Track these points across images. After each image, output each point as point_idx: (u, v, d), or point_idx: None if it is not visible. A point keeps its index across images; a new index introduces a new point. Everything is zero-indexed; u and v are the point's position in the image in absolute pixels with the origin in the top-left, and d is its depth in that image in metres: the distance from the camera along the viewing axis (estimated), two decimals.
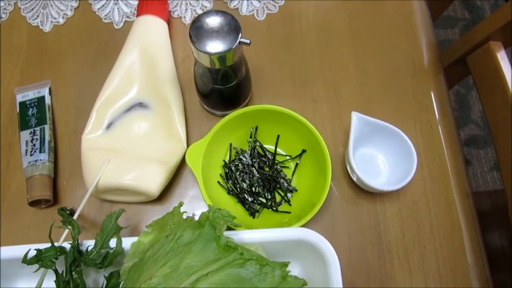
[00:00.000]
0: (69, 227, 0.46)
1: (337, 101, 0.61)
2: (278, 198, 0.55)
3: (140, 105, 0.56)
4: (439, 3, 0.84)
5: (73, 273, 0.43)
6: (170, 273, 0.37)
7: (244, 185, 0.55)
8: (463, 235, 0.55)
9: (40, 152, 0.55)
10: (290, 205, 0.55)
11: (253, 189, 0.55)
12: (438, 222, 0.55)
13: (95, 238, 0.45)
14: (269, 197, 0.55)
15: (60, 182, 0.57)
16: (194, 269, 0.37)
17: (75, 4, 0.66)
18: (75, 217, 0.47)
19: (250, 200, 0.55)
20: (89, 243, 0.45)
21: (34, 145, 0.55)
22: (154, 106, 0.56)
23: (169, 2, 0.65)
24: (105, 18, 0.65)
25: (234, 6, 0.66)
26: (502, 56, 0.55)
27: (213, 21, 0.45)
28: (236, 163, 0.56)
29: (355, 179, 0.54)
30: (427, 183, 0.57)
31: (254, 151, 0.57)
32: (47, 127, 0.57)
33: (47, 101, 0.59)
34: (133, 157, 0.53)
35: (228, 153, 0.57)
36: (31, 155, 0.55)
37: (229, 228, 0.42)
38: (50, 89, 0.61)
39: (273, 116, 0.54)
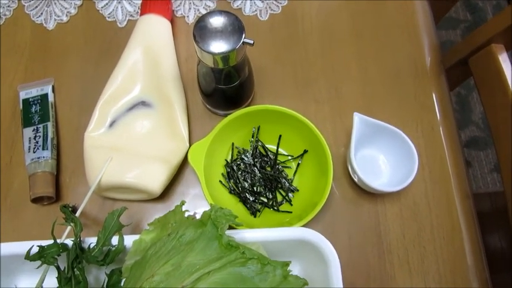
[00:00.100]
0: (71, 224, 0.46)
1: (339, 101, 0.61)
2: (279, 198, 0.56)
3: (143, 103, 0.56)
4: (442, 4, 0.85)
5: (75, 270, 0.43)
6: (172, 272, 0.37)
7: (246, 185, 0.56)
8: (463, 236, 0.55)
9: (43, 149, 0.55)
10: (291, 205, 0.55)
11: (255, 188, 0.56)
12: (438, 223, 0.55)
13: (97, 235, 0.45)
14: (270, 196, 0.55)
15: (63, 179, 0.57)
16: (196, 268, 0.37)
17: (78, 2, 0.66)
18: (77, 214, 0.47)
19: (251, 199, 0.55)
20: (91, 241, 0.45)
21: (37, 142, 0.56)
22: (157, 105, 0.56)
23: (172, 1, 0.65)
24: (108, 17, 0.65)
25: (237, 6, 0.66)
26: (503, 59, 0.56)
27: (217, 21, 0.46)
28: (238, 162, 0.56)
29: (356, 180, 0.55)
30: (428, 184, 0.57)
31: (256, 151, 0.57)
32: (49, 124, 0.57)
33: (50, 98, 0.59)
34: (136, 155, 0.53)
35: (230, 152, 0.57)
36: (34, 152, 0.55)
37: (230, 227, 0.42)
38: (53, 87, 0.61)
39: (275, 116, 0.54)
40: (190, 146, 0.53)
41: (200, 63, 0.50)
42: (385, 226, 0.55)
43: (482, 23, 1.54)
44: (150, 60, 0.57)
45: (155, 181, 0.52)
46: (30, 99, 0.59)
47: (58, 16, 0.65)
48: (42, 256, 0.43)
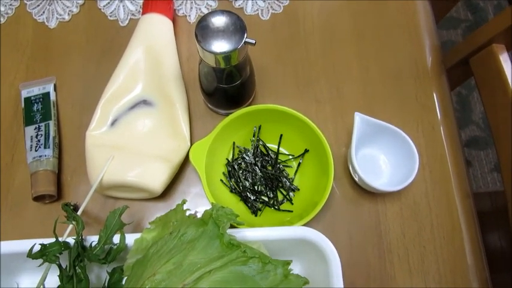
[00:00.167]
0: (73, 222, 0.46)
1: (340, 101, 0.61)
2: (280, 197, 0.56)
3: (144, 102, 0.56)
4: (443, 4, 0.85)
5: (76, 268, 0.43)
6: (173, 270, 0.37)
7: (247, 184, 0.56)
8: (463, 236, 0.55)
9: (45, 147, 0.55)
10: (292, 204, 0.55)
11: (256, 187, 0.56)
12: (439, 223, 0.55)
13: (99, 234, 0.45)
14: (271, 195, 0.55)
15: (64, 178, 0.57)
16: (197, 266, 0.37)
17: (80, 1, 0.66)
18: (79, 213, 0.48)
19: (252, 198, 0.55)
20: (92, 239, 0.45)
21: (39, 141, 0.56)
22: (158, 104, 0.56)
23: (174, 0, 0.65)
24: (110, 16, 0.66)
25: (239, 5, 0.66)
26: (504, 59, 0.56)
27: (219, 20, 0.46)
28: (239, 162, 0.57)
29: (357, 179, 0.55)
30: (428, 184, 0.57)
31: (257, 150, 0.57)
32: (51, 123, 0.57)
33: (52, 97, 0.60)
34: (137, 154, 0.53)
35: (231, 151, 0.57)
36: (36, 151, 0.55)
37: (231, 226, 0.42)
38: (55, 85, 0.61)
39: (276, 115, 0.55)
40: (191, 145, 0.54)
41: (202, 63, 0.50)
42: (385, 226, 0.55)
43: (483, 23, 1.54)
44: (152, 59, 0.57)
45: (156, 180, 0.52)
46: (32, 98, 0.59)
47: (60, 15, 0.66)
48: (44, 254, 0.43)
